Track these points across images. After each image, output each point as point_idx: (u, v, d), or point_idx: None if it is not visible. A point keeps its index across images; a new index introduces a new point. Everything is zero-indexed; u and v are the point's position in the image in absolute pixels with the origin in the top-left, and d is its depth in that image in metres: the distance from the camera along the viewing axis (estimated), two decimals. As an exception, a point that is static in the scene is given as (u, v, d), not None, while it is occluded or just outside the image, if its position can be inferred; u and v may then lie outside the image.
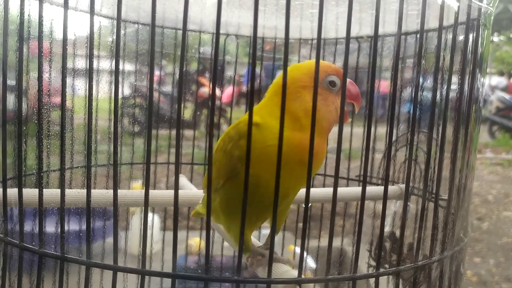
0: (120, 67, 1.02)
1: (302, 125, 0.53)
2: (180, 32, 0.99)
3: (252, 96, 0.47)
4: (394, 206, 0.93)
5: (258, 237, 1.11)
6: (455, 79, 0.56)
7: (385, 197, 0.51)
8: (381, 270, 0.51)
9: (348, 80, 0.52)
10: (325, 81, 0.54)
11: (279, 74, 0.60)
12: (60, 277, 0.50)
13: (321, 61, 0.51)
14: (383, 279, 0.53)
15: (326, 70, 0.55)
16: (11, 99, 0.56)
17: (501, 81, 9.75)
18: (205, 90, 1.71)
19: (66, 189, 0.50)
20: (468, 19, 0.53)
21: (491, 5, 0.59)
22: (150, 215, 1.42)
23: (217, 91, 1.11)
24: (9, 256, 0.55)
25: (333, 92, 0.55)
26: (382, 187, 0.51)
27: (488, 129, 7.56)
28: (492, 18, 0.63)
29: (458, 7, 0.51)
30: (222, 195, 0.56)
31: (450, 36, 0.54)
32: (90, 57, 0.47)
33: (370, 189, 0.92)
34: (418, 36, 0.82)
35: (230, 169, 0.53)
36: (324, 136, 0.56)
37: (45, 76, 0.78)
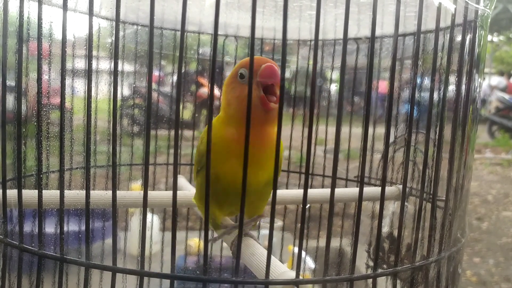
0: (119, 68, 1.02)
1: (231, 120, 0.60)
2: (179, 33, 0.99)
3: (250, 96, 0.47)
4: (392, 207, 0.93)
5: (258, 237, 1.11)
6: (452, 80, 0.56)
7: (382, 197, 0.51)
8: (379, 270, 0.51)
9: (264, 64, 0.56)
10: (238, 75, 0.59)
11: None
12: (59, 278, 0.50)
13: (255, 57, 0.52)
14: (381, 280, 0.53)
15: (240, 65, 0.60)
16: (10, 100, 0.57)
17: (501, 81, 9.76)
18: (205, 91, 1.71)
19: (65, 190, 0.50)
20: (465, 21, 0.53)
21: (487, 7, 0.59)
22: (149, 216, 1.42)
23: (216, 92, 1.11)
24: (9, 257, 0.55)
25: (245, 83, 0.58)
26: (380, 188, 0.52)
27: (487, 129, 7.57)
28: (489, 20, 0.63)
29: (455, 9, 0.52)
30: (197, 184, 0.68)
31: (447, 38, 0.55)
32: (89, 59, 0.47)
33: (368, 189, 0.92)
34: (415, 37, 0.82)
35: (198, 162, 0.65)
36: (256, 126, 0.54)
37: (45, 77, 0.79)
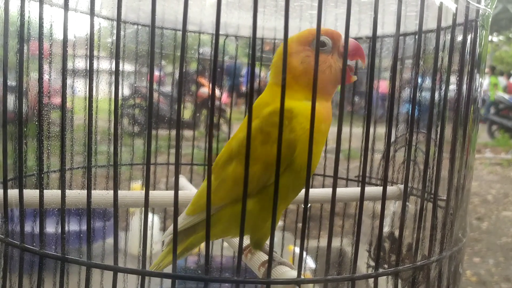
0: (120, 67, 1.02)
1: (307, 94, 0.52)
2: (179, 33, 0.99)
3: (251, 96, 0.47)
4: (393, 207, 0.93)
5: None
6: (453, 79, 0.56)
7: (383, 197, 0.51)
8: (380, 270, 0.51)
9: (353, 41, 0.54)
10: (313, 43, 0.54)
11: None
12: (60, 278, 0.50)
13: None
14: (382, 279, 0.53)
15: (313, 32, 0.55)
16: (11, 100, 0.57)
17: (501, 81, 9.76)
18: (205, 91, 1.71)
19: (66, 190, 0.50)
20: (466, 21, 0.53)
21: (488, 6, 0.59)
22: (150, 215, 1.42)
23: (217, 92, 1.11)
24: (10, 257, 0.55)
25: (325, 52, 0.55)
26: (381, 188, 0.52)
27: (487, 129, 7.57)
28: (490, 19, 0.63)
29: (456, 8, 0.52)
30: (264, 195, 0.54)
31: (448, 37, 0.55)
32: (91, 58, 0.47)
33: (369, 189, 0.92)
34: (416, 37, 0.82)
35: (283, 156, 0.48)
36: (328, 98, 0.56)
37: (45, 77, 0.79)
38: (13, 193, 0.53)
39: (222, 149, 0.62)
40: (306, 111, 0.48)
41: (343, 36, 0.55)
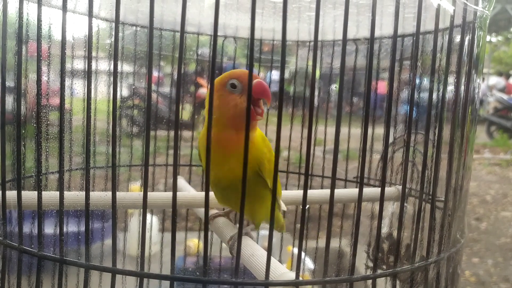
0: (119, 69, 1.02)
1: (215, 123, 0.64)
2: (178, 34, 0.99)
3: (249, 97, 0.47)
4: (391, 208, 0.93)
5: (257, 237, 1.12)
6: (451, 80, 0.56)
7: (382, 198, 0.51)
8: (378, 271, 0.51)
9: (256, 80, 0.63)
10: (228, 84, 0.65)
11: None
12: (59, 280, 0.50)
13: (240, 70, 0.67)
14: (380, 280, 0.53)
15: (229, 75, 0.66)
16: (10, 101, 0.57)
17: (499, 81, 9.78)
18: (204, 91, 1.71)
19: (65, 192, 0.50)
20: (464, 22, 0.54)
21: (486, 8, 0.59)
22: (148, 216, 1.42)
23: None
24: (8, 258, 0.55)
25: (236, 93, 0.65)
26: (380, 189, 0.52)
27: (486, 130, 7.58)
28: (488, 21, 0.63)
29: (454, 10, 0.52)
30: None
31: (446, 39, 0.55)
32: (89, 61, 0.47)
33: (367, 190, 0.92)
34: (414, 38, 0.83)
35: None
36: (237, 129, 0.64)
37: (44, 78, 0.79)
38: (11, 194, 0.53)
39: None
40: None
41: (255, 77, 0.64)
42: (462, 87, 0.59)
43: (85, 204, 0.49)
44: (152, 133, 1.13)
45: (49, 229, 0.65)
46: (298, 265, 0.48)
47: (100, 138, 0.99)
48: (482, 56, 0.66)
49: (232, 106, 0.65)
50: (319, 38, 1.02)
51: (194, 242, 1.53)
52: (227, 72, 0.68)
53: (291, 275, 0.51)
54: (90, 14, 0.48)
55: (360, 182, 0.51)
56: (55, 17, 0.72)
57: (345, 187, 1.06)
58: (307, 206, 1.01)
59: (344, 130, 1.04)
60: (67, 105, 0.90)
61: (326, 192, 0.90)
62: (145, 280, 0.48)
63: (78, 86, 0.87)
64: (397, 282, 0.54)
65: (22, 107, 0.57)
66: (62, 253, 0.50)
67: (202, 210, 0.79)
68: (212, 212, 0.78)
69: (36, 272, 0.53)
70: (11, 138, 0.54)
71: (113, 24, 0.47)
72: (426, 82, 0.72)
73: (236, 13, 0.87)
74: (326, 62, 1.05)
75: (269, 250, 0.48)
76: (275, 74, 1.13)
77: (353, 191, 0.93)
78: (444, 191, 0.59)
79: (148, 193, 0.47)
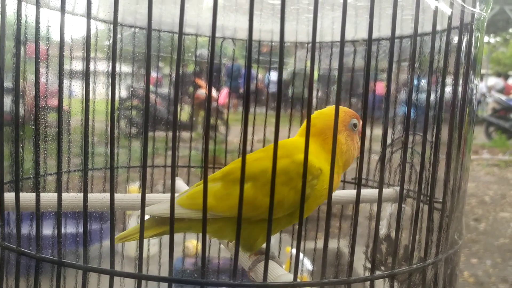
0: (118, 70, 1.02)
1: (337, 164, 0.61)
2: (176, 36, 0.99)
3: (247, 98, 0.47)
4: (390, 209, 0.94)
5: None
6: (449, 81, 0.56)
7: (379, 200, 0.51)
8: (376, 273, 0.51)
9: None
10: (350, 124, 0.65)
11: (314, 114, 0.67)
12: (57, 282, 0.50)
13: (342, 107, 0.64)
14: (378, 282, 0.53)
15: (350, 115, 0.65)
16: (8, 102, 0.57)
17: (498, 82, 9.80)
18: (203, 92, 1.71)
19: (63, 194, 0.50)
20: (461, 25, 0.54)
21: (484, 10, 0.59)
22: (146, 217, 1.42)
23: (214, 93, 1.11)
24: (6, 260, 0.55)
25: (355, 132, 0.66)
26: (378, 190, 0.52)
27: (484, 130, 7.59)
28: (485, 22, 0.63)
29: (451, 12, 0.52)
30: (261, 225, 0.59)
31: (444, 40, 0.55)
32: (87, 63, 0.47)
33: (365, 191, 0.92)
34: (412, 40, 0.83)
35: (294, 204, 0.57)
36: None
37: (42, 79, 0.79)
38: (9, 196, 0.53)
39: (235, 160, 0.66)
40: (328, 174, 0.53)
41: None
42: (460, 88, 0.59)
43: (83, 206, 0.49)
44: (150, 134, 1.13)
45: (48, 230, 0.65)
46: (296, 267, 0.48)
47: (98, 139, 0.99)
48: (480, 57, 0.66)
49: (357, 147, 0.65)
50: (318, 39, 1.02)
51: (192, 243, 1.53)
52: (344, 111, 0.65)
53: (289, 277, 0.51)
54: (88, 15, 0.48)
55: (358, 184, 0.51)
56: (54, 18, 0.72)
57: (343, 188, 1.06)
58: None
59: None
60: (65, 106, 0.90)
61: (325, 193, 0.90)
62: (143, 282, 0.48)
63: (76, 88, 0.87)
64: (395, 283, 0.54)
65: (20, 108, 0.56)
66: (60, 255, 0.50)
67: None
68: None
69: (34, 274, 0.53)
70: (10, 140, 0.54)
71: (112, 26, 0.47)
72: (424, 83, 0.72)
73: (235, 14, 0.87)
74: (325, 63, 1.06)
75: (266, 251, 0.48)
76: (274, 75, 1.13)
77: (351, 192, 0.94)
78: (442, 192, 0.60)
79: (146, 194, 0.47)
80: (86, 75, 0.47)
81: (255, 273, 0.59)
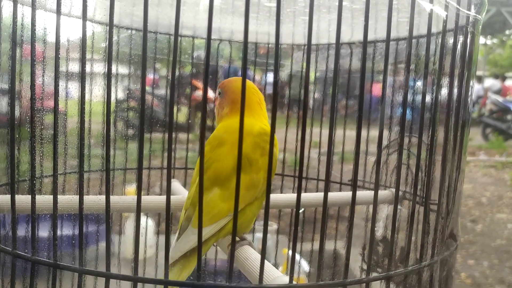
0: (114, 70, 1.02)
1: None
2: (173, 38, 0.99)
3: (243, 99, 0.47)
4: (386, 210, 0.94)
5: (252, 240, 1.12)
6: (445, 83, 0.57)
7: (375, 201, 0.51)
8: (372, 275, 0.51)
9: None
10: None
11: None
12: (53, 284, 0.50)
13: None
14: (375, 284, 0.53)
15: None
16: (3, 103, 0.56)
17: (495, 83, 9.83)
18: (199, 93, 1.71)
19: (59, 196, 0.50)
20: (456, 28, 0.54)
21: (479, 13, 0.60)
22: (143, 219, 1.42)
23: (211, 94, 1.11)
24: (2, 263, 0.55)
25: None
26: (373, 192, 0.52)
27: (481, 132, 7.61)
28: (480, 25, 0.63)
29: (446, 15, 0.52)
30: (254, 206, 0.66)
31: (439, 42, 0.55)
32: (83, 65, 0.47)
33: (361, 193, 0.92)
34: (408, 42, 0.83)
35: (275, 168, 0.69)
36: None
37: (38, 80, 0.78)
38: (5, 198, 0.53)
39: (215, 163, 0.66)
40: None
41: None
42: (455, 90, 0.59)
43: (79, 208, 0.48)
44: (147, 135, 1.13)
45: (44, 232, 0.65)
46: (292, 269, 0.48)
47: (95, 140, 0.99)
48: (475, 59, 0.66)
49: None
50: (314, 41, 1.03)
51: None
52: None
53: (285, 279, 0.51)
54: (84, 17, 0.48)
55: (354, 186, 0.51)
56: (50, 20, 0.71)
57: (340, 190, 1.06)
58: (303, 209, 1.01)
59: (340, 132, 1.05)
60: (61, 108, 0.90)
61: (321, 195, 0.90)
62: (139, 284, 0.48)
63: (73, 89, 0.87)
64: (391, 285, 0.54)
65: (16, 110, 0.56)
66: (56, 257, 0.50)
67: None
68: None
69: (30, 276, 0.53)
70: (5, 142, 0.53)
71: (108, 28, 0.47)
72: (420, 85, 0.72)
73: (231, 17, 0.87)
74: (321, 65, 1.06)
75: (262, 253, 0.48)
76: (270, 77, 1.13)
77: (347, 194, 0.94)
78: (437, 194, 0.60)
79: (143, 196, 0.47)
80: (82, 77, 0.47)
81: (250, 275, 0.59)
